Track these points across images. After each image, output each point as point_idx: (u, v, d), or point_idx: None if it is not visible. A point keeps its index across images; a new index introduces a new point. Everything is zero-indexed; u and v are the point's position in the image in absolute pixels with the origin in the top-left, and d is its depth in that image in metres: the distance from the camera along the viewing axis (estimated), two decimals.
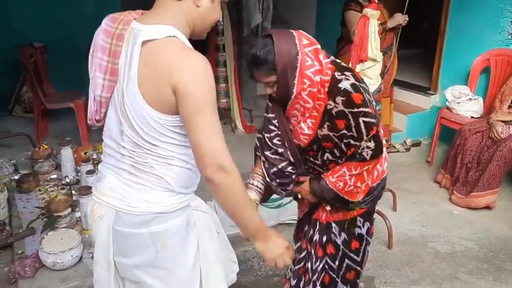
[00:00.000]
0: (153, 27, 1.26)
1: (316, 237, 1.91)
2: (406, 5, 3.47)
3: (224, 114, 4.98)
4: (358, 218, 1.86)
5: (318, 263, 1.93)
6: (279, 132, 1.76)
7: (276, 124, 1.77)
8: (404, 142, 4.56)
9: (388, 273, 2.73)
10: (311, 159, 1.79)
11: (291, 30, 1.61)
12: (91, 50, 1.37)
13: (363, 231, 1.88)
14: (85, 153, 3.83)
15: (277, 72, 1.56)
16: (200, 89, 1.22)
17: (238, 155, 4.13)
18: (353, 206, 1.80)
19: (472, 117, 3.85)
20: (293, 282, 2.02)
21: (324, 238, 1.89)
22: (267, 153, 1.79)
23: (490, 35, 4.06)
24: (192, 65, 1.23)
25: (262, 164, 1.83)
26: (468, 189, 3.45)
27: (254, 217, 1.40)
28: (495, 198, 3.41)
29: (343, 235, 1.86)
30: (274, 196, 3.43)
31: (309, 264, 1.95)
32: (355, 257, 1.90)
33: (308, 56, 1.56)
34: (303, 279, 1.99)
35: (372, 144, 1.63)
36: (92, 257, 2.59)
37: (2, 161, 3.48)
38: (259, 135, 1.85)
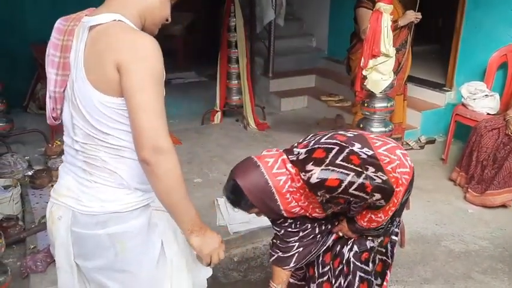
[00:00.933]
0: (99, 15, 1.26)
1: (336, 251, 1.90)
2: (418, 2, 3.41)
3: (236, 112, 4.97)
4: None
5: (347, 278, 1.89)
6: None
7: (290, 221, 1.84)
8: (419, 139, 4.49)
9: (400, 272, 2.69)
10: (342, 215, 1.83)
11: (255, 160, 1.64)
12: (46, 50, 1.38)
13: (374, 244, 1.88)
14: None
15: (256, 206, 1.63)
16: (143, 65, 1.19)
17: (250, 152, 4.11)
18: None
19: (488, 113, 3.77)
20: None
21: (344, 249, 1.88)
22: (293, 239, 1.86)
23: (507, 30, 3.98)
24: (137, 42, 1.21)
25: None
26: (483, 187, 3.38)
27: (191, 208, 1.31)
28: (511, 197, 3.34)
29: (376, 241, 1.86)
30: None
31: (333, 279, 1.91)
32: (365, 267, 1.88)
33: (278, 175, 1.61)
34: None
35: (378, 196, 1.60)
36: None
37: (16, 157, 3.52)
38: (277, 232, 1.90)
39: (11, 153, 3.63)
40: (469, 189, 3.48)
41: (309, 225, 1.84)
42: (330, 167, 1.55)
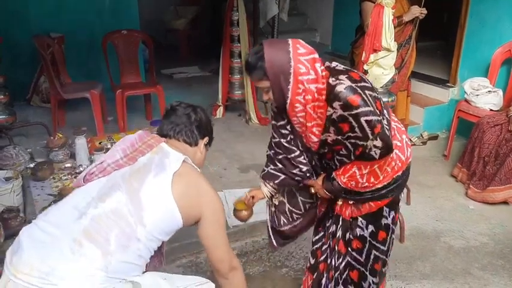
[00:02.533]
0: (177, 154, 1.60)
1: (340, 233, 1.92)
2: None
3: (238, 106, 4.97)
4: (385, 208, 1.86)
5: (340, 260, 1.94)
6: (292, 136, 1.84)
7: (289, 129, 1.83)
8: (421, 135, 4.47)
9: (399, 267, 2.69)
10: (329, 162, 1.82)
11: (289, 40, 1.65)
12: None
13: (389, 220, 1.88)
14: (99, 143, 3.87)
15: (269, 77, 1.62)
16: (218, 218, 1.63)
17: (251, 146, 4.18)
18: (371, 195, 1.81)
19: (491, 109, 3.74)
20: (314, 276, 2.03)
21: (348, 235, 1.90)
22: (284, 156, 1.89)
23: (511, 26, 3.94)
24: (214, 199, 1.63)
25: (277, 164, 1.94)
26: (485, 183, 3.36)
27: None
28: None
29: (371, 227, 1.87)
30: None
31: (332, 260, 1.96)
32: (382, 247, 1.91)
33: (303, 64, 1.60)
34: (325, 275, 2.00)
35: (379, 143, 1.62)
36: None
37: (18, 149, 3.53)
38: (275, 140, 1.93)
39: (13, 145, 3.65)
40: (470, 186, 3.46)
41: (297, 153, 1.85)
42: (358, 89, 1.58)
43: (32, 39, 4.11)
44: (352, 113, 1.57)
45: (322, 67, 1.64)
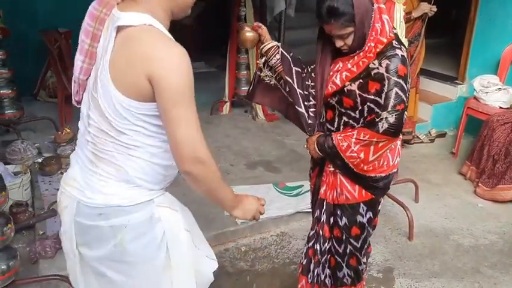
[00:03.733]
0: (129, 14, 1.26)
1: (324, 217, 1.92)
2: None
3: (245, 102, 4.95)
4: (362, 205, 1.84)
5: (325, 244, 1.95)
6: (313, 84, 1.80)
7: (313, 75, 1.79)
8: (429, 133, 4.45)
9: (408, 265, 2.68)
10: (327, 124, 1.81)
11: None
12: (80, 35, 1.38)
13: (364, 220, 1.87)
14: None
15: (355, 23, 1.57)
16: (176, 81, 1.21)
17: (258, 142, 4.17)
18: (356, 178, 1.79)
19: (500, 107, 3.72)
20: (304, 262, 2.04)
21: (331, 219, 1.90)
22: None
23: None
24: (169, 55, 1.21)
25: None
26: (494, 181, 3.35)
27: (228, 194, 1.43)
28: None
29: (344, 219, 1.87)
30: (293, 184, 3.43)
31: (318, 245, 1.97)
32: (355, 243, 1.90)
33: (381, 12, 1.61)
34: (313, 260, 2.00)
35: (391, 119, 1.61)
36: None
37: (26, 144, 3.53)
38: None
39: (21, 139, 3.65)
40: (479, 184, 3.44)
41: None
42: (408, 68, 1.62)
43: (39, 34, 4.10)
44: (393, 78, 1.58)
45: (391, 26, 1.65)
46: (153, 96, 1.23)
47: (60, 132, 3.65)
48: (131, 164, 1.33)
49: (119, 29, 1.26)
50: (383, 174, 1.81)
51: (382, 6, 1.62)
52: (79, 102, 1.45)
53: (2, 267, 2.07)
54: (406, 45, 2.84)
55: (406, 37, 3.10)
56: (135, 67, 1.22)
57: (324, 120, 1.84)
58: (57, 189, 3.21)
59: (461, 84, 4.53)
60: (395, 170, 1.86)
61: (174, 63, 1.21)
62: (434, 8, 3.47)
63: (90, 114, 1.33)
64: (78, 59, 1.37)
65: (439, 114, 4.50)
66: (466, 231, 3.03)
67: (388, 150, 1.75)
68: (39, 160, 3.45)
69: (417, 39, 3.64)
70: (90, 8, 1.36)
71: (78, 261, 1.44)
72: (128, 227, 1.35)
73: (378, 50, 1.60)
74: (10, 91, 3.85)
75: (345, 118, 1.74)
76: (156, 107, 1.26)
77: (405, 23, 3.19)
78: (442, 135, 4.47)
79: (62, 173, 3.38)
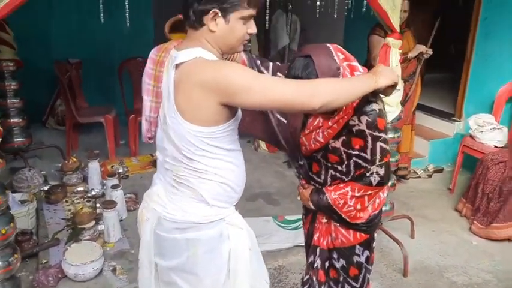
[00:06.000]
0: (183, 52, 1.41)
1: (318, 263, 1.94)
2: (431, 38, 3.49)
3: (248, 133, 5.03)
4: (357, 247, 1.86)
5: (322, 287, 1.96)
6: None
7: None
8: (427, 168, 4.52)
9: None
10: (314, 176, 1.84)
11: (327, 45, 1.64)
12: (143, 78, 1.62)
13: (362, 259, 1.88)
14: (111, 167, 3.97)
15: None
16: (232, 74, 1.33)
17: (260, 174, 4.26)
18: (351, 226, 1.82)
19: (495, 146, 3.80)
20: None
21: (327, 263, 1.92)
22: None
23: None
24: (218, 69, 1.35)
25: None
26: (489, 219, 3.40)
27: (360, 82, 1.51)
28: None
29: (342, 262, 1.88)
30: (292, 218, 3.48)
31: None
32: (354, 283, 1.91)
33: (346, 70, 1.62)
34: None
35: (381, 171, 1.68)
36: (112, 270, 2.71)
37: (33, 172, 3.63)
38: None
39: (28, 167, 3.76)
40: (474, 221, 3.50)
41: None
42: (385, 116, 1.66)
43: (51, 65, 4.25)
44: (374, 134, 1.63)
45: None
46: (216, 120, 1.39)
47: (66, 161, 3.76)
48: (204, 187, 1.48)
49: (177, 66, 1.40)
50: (376, 212, 1.84)
51: (354, 64, 1.64)
52: (151, 138, 1.67)
53: None
54: (402, 87, 2.94)
55: (401, 76, 3.20)
56: (195, 94, 1.35)
57: (310, 173, 1.87)
58: (62, 218, 3.32)
59: (458, 121, 4.61)
60: (385, 203, 1.92)
61: (224, 70, 1.34)
62: (430, 51, 3.59)
63: (165, 147, 1.50)
64: (146, 100, 1.61)
65: (437, 150, 4.57)
66: (460, 269, 3.07)
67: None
68: (45, 188, 3.55)
69: (412, 77, 3.74)
70: (150, 54, 1.60)
71: (153, 270, 1.61)
72: (201, 241, 1.50)
73: (354, 104, 1.63)
74: (20, 120, 3.96)
75: (331, 171, 1.78)
76: (218, 130, 1.42)
77: (401, 63, 3.31)
78: (439, 170, 4.54)
79: (66, 202, 3.47)
